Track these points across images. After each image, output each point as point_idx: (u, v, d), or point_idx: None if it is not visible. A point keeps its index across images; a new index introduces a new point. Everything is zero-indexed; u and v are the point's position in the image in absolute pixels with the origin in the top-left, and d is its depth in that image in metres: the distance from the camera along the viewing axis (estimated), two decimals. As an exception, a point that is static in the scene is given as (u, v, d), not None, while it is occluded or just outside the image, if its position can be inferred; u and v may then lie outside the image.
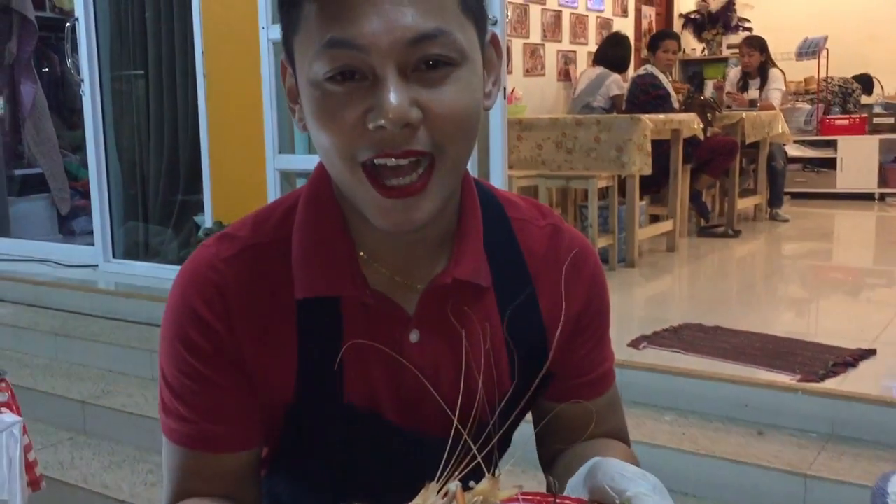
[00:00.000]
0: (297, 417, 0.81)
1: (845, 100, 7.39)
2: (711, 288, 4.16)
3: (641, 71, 5.43)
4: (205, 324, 0.78)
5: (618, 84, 5.56)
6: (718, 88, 6.20)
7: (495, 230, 0.84)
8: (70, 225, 5.74)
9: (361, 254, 0.80)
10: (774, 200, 6.03)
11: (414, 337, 0.81)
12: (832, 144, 7.20)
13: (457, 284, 0.80)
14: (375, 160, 0.69)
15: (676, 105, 5.26)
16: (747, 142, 5.51)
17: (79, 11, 4.31)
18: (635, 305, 3.92)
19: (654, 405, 2.68)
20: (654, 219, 5.04)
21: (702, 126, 4.89)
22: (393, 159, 0.69)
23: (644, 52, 7.05)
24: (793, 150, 6.82)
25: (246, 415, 0.81)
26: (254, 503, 0.84)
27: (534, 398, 0.86)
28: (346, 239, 0.79)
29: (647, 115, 4.42)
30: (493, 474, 0.63)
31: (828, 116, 7.34)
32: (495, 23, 3.13)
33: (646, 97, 5.21)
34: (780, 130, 5.89)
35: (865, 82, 7.51)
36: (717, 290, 4.12)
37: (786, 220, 5.97)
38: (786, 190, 6.21)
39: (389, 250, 0.80)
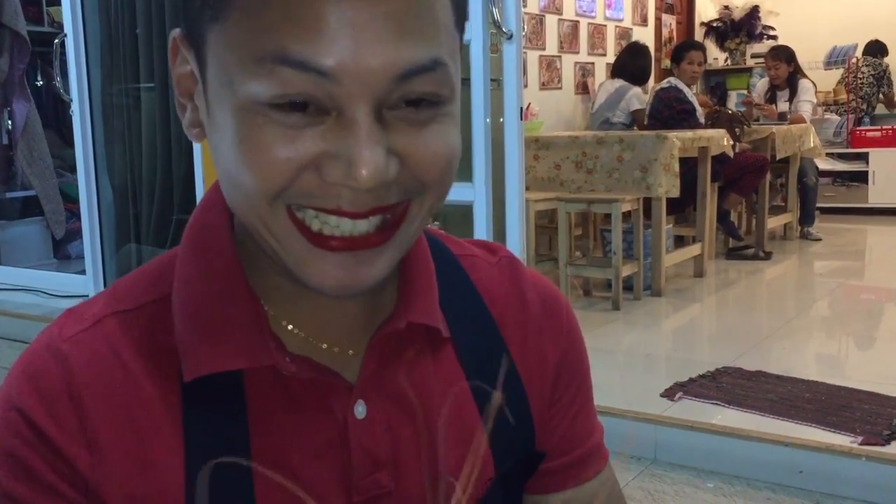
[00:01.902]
0: None
1: (879, 82, 6.99)
2: (746, 321, 3.84)
3: (665, 84, 5.13)
4: (45, 441, 0.54)
5: (638, 98, 5.26)
6: (747, 103, 5.88)
7: (442, 271, 0.65)
8: (66, 249, 5.49)
9: (270, 312, 0.59)
10: (806, 218, 5.72)
11: (360, 411, 0.59)
12: (863, 157, 6.89)
13: (411, 332, 0.61)
14: (319, 215, 0.51)
15: (702, 120, 4.96)
16: (778, 157, 5.21)
17: (67, 27, 4.08)
18: (665, 343, 3.61)
19: (693, 468, 2.38)
20: (679, 240, 4.74)
21: (731, 143, 4.58)
22: (347, 222, 0.51)
23: (665, 63, 6.76)
24: (822, 164, 6.49)
25: None
26: None
27: (518, 490, 0.68)
28: (249, 293, 0.58)
29: (673, 133, 4.12)
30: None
31: (858, 128, 7.01)
32: (511, 38, 2.84)
33: (670, 112, 4.91)
34: (812, 145, 5.58)
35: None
36: (752, 323, 3.81)
37: (818, 240, 5.65)
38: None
39: (309, 308, 0.60)
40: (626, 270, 3.94)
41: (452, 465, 0.60)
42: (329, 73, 0.48)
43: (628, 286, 4.07)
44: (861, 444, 2.21)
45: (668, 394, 2.65)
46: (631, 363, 3.29)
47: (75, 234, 5.36)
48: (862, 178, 6.87)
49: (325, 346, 0.60)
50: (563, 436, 0.70)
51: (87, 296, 4.13)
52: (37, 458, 0.54)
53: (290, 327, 0.60)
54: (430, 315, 0.62)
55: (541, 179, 4.37)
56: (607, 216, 4.00)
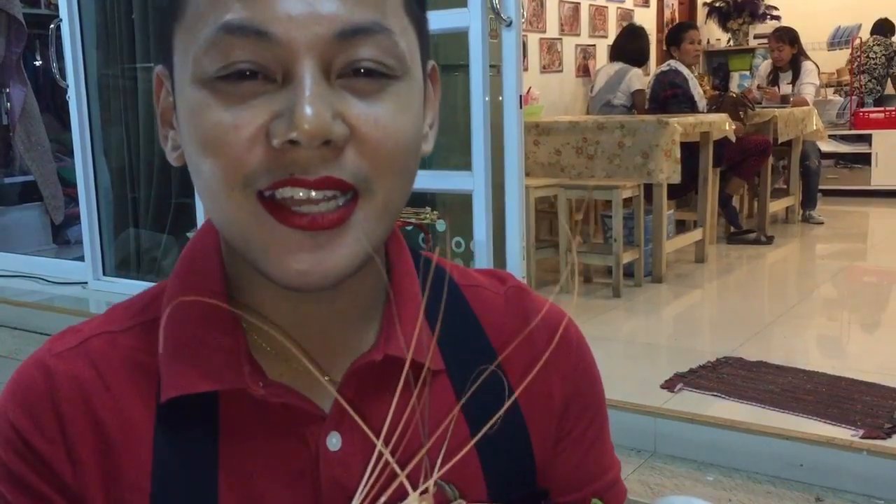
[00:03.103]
0: None
1: (890, 62, 6.92)
2: (748, 308, 3.82)
3: (665, 67, 5.09)
4: (32, 451, 0.57)
5: (639, 78, 5.21)
6: (745, 95, 5.82)
7: (440, 299, 0.62)
8: (65, 234, 5.48)
9: (253, 336, 0.59)
10: (808, 202, 5.69)
11: (334, 443, 0.58)
12: (866, 139, 6.83)
13: (390, 364, 0.58)
14: (277, 192, 0.50)
15: (703, 102, 4.92)
16: (780, 140, 5.17)
17: (63, 11, 4.03)
18: (666, 331, 3.60)
19: (693, 460, 2.37)
20: (680, 225, 4.72)
21: (732, 127, 4.54)
22: (303, 191, 0.50)
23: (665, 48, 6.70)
24: (825, 146, 6.44)
25: None
26: None
27: None
28: (231, 318, 0.59)
29: (675, 119, 4.08)
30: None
31: (862, 109, 6.96)
32: (510, 24, 2.80)
33: (664, 94, 4.89)
34: (815, 127, 5.54)
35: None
36: (753, 310, 3.79)
37: (821, 223, 5.62)
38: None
39: (292, 332, 0.59)
40: (627, 257, 3.92)
41: (442, 500, 0.57)
42: (270, 33, 0.49)
43: (629, 273, 4.05)
44: (862, 437, 2.20)
45: (669, 385, 2.64)
46: (631, 352, 3.27)
47: (75, 219, 5.33)
48: (865, 160, 6.82)
49: (304, 370, 0.58)
50: (573, 471, 0.67)
51: (87, 282, 4.14)
52: (26, 468, 0.57)
53: (269, 349, 0.59)
54: (414, 347, 0.58)
55: (542, 165, 4.34)
56: (608, 202, 3.97)
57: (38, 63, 5.64)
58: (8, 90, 5.03)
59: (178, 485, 0.57)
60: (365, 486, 0.47)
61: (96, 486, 0.57)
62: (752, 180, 5.23)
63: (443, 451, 0.53)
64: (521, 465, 0.64)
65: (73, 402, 0.57)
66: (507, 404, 0.56)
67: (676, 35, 5.14)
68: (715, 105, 4.96)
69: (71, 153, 5.55)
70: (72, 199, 5.37)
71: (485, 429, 0.55)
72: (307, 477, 0.58)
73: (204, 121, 0.51)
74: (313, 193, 0.50)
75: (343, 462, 0.58)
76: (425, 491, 0.48)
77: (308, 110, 0.48)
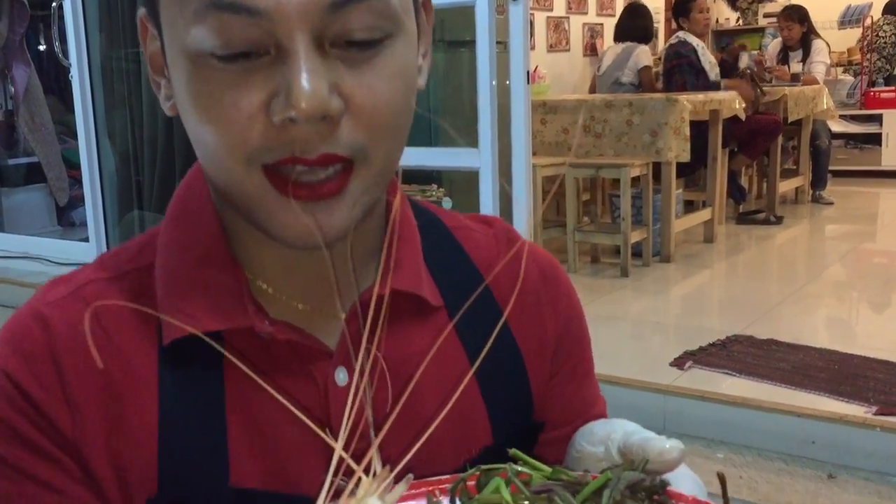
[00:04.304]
0: None
1: None
2: (757, 287, 3.78)
3: (673, 39, 5.02)
4: (29, 402, 0.55)
5: (646, 54, 5.15)
6: (758, 63, 5.75)
7: (434, 241, 0.66)
8: (70, 216, 5.45)
9: (257, 281, 0.60)
10: (818, 182, 5.63)
11: (341, 378, 0.59)
12: (877, 119, 6.76)
13: (396, 300, 0.60)
14: (280, 167, 0.52)
15: (715, 72, 4.84)
16: (790, 119, 5.11)
17: (65, -9, 3.99)
18: (674, 310, 3.57)
19: (703, 438, 2.35)
20: (688, 205, 4.67)
21: (743, 105, 4.49)
22: (303, 167, 0.51)
23: (674, 23, 6.62)
24: (835, 126, 6.38)
25: None
26: None
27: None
28: (230, 258, 0.59)
29: (684, 96, 4.03)
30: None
31: (872, 89, 6.88)
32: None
33: (669, 65, 4.85)
34: (825, 106, 5.48)
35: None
36: (763, 289, 3.75)
37: (830, 203, 5.57)
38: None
39: (293, 274, 0.60)
40: (635, 236, 3.88)
41: (443, 432, 0.58)
42: (261, 9, 0.48)
43: (637, 252, 4.01)
44: (875, 414, 2.17)
45: (678, 363, 2.61)
46: (640, 331, 3.24)
47: (79, 200, 5.31)
48: (875, 140, 6.75)
49: (308, 308, 0.60)
50: (564, 407, 0.69)
51: (91, 264, 4.13)
52: (22, 419, 0.55)
53: (271, 291, 0.60)
54: (415, 282, 0.61)
55: (549, 144, 4.30)
56: (616, 181, 3.93)
57: (42, 47, 5.60)
58: (11, 71, 5.00)
59: (186, 427, 0.57)
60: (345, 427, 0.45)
61: (98, 435, 0.56)
62: (759, 159, 5.18)
63: (452, 414, 0.53)
64: (520, 399, 0.66)
65: (70, 351, 0.56)
66: (496, 329, 0.56)
67: (684, 5, 5.06)
68: (735, 76, 4.91)
69: (75, 135, 5.54)
70: (76, 180, 5.35)
71: (480, 359, 0.55)
72: (316, 413, 0.58)
73: (202, 95, 0.51)
74: (315, 169, 0.52)
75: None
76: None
77: (304, 88, 0.48)
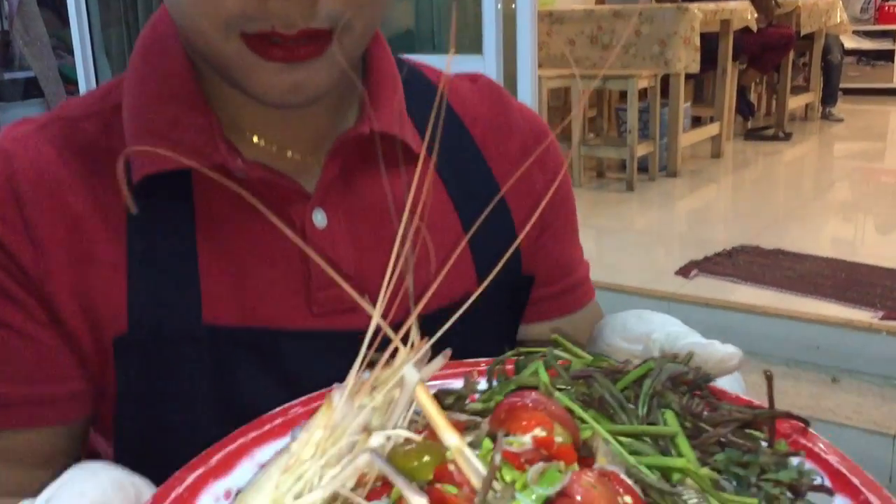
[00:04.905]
0: (136, 356, 0.55)
1: None
2: (765, 201, 3.74)
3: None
4: None
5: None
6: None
7: (417, 92, 0.64)
8: (68, 132, 5.40)
9: (225, 119, 0.58)
10: (828, 98, 5.54)
11: (319, 220, 0.58)
12: (890, 35, 6.62)
13: (373, 142, 0.58)
14: (259, 35, 0.50)
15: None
16: (802, 33, 4.98)
17: None
18: (680, 223, 3.53)
19: (707, 344, 2.34)
20: (696, 121, 4.60)
21: (755, 16, 4.37)
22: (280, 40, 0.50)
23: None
24: (848, 42, 6.23)
25: (57, 370, 0.55)
26: None
27: (504, 315, 0.68)
28: (201, 98, 0.57)
29: (695, 5, 3.91)
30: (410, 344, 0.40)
31: (887, 3, 6.70)
32: None
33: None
34: (839, 20, 5.34)
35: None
36: (771, 203, 3.71)
37: (840, 120, 5.48)
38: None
39: (268, 119, 0.58)
40: (642, 150, 3.82)
41: (426, 275, 0.58)
42: None
43: (643, 168, 3.96)
44: (881, 319, 2.16)
45: (683, 272, 2.59)
46: (645, 243, 3.22)
47: (77, 116, 5.26)
48: (888, 56, 6.61)
49: (284, 152, 0.58)
50: (553, 265, 0.70)
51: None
52: None
53: (247, 135, 0.58)
54: (396, 125, 0.60)
55: (555, 56, 4.20)
56: (622, 95, 3.85)
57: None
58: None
59: (156, 264, 0.55)
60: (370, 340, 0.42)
61: (62, 272, 0.54)
62: (769, 74, 5.07)
63: (450, 273, 0.50)
64: (506, 248, 0.64)
65: (33, 185, 0.54)
66: (485, 185, 0.57)
67: None
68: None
69: (71, 51, 5.44)
70: (72, 96, 5.28)
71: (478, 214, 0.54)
72: (293, 256, 0.57)
73: None
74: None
75: (330, 239, 0.58)
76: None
77: None
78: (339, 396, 0.36)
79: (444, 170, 0.64)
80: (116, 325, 0.55)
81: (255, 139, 0.58)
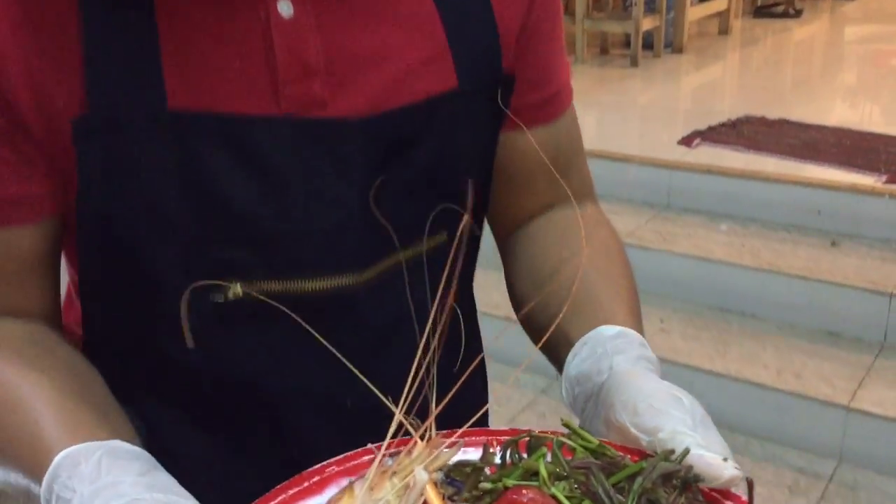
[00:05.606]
0: (98, 140, 0.52)
1: None
2: (773, 76, 3.66)
3: None
4: None
5: None
6: None
7: None
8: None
9: None
10: (841, -25, 5.34)
11: (285, 9, 0.55)
12: None
13: None
14: None
15: None
16: None
17: None
18: (684, 98, 3.46)
19: (707, 212, 2.33)
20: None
21: None
22: None
23: None
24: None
25: (13, 162, 0.52)
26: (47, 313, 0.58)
27: (487, 116, 0.65)
28: None
29: None
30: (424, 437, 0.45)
31: None
32: None
33: None
34: None
35: None
36: (779, 78, 3.63)
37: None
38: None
39: None
40: (647, 24, 3.71)
41: (406, 66, 0.58)
42: None
43: (648, 43, 3.85)
44: (885, 182, 2.13)
45: (686, 141, 2.55)
46: (648, 116, 3.16)
47: None
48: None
49: None
50: (536, 66, 0.68)
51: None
52: None
53: None
54: None
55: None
56: (629, -35, 3.71)
57: None
58: None
59: (114, 44, 0.52)
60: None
61: (18, 69, 0.51)
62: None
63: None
64: (487, 44, 0.63)
65: None
66: None
67: None
68: None
69: None
70: None
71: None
72: (259, 48, 0.54)
73: None
74: None
75: (297, 29, 0.55)
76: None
77: None
78: (359, 488, 0.41)
79: None
80: (72, 107, 0.52)
81: None
